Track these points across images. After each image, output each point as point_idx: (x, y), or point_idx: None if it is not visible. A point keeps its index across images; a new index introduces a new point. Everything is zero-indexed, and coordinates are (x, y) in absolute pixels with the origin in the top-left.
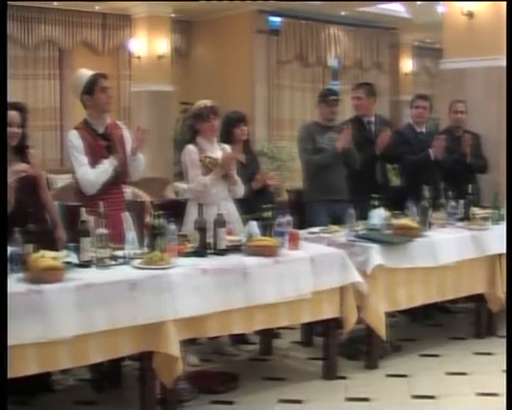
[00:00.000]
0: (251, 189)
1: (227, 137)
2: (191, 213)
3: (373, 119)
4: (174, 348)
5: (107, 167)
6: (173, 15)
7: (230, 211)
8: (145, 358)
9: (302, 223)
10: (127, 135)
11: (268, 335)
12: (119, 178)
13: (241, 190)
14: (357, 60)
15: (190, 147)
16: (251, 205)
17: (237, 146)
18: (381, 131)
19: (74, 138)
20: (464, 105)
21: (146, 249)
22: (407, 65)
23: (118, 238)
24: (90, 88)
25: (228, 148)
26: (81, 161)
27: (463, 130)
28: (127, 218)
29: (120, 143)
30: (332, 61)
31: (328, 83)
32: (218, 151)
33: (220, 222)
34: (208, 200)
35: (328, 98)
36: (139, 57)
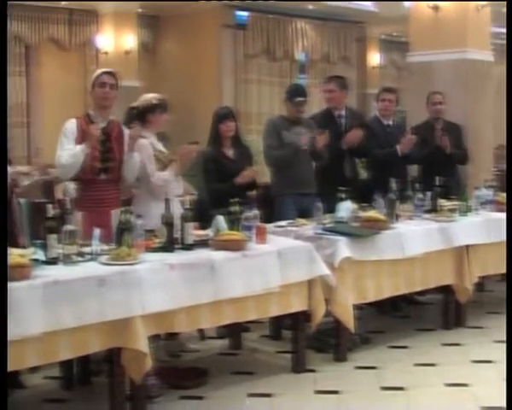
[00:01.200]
0: (233, 184)
1: (215, 133)
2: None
3: (343, 112)
4: (142, 344)
5: (77, 151)
6: (140, 10)
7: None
8: (114, 354)
9: (269, 217)
10: (126, 134)
11: (237, 328)
12: (109, 173)
13: (180, 189)
14: (325, 54)
15: (144, 140)
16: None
17: (226, 142)
18: (353, 128)
19: (69, 124)
20: (442, 96)
21: (113, 245)
22: (374, 58)
23: (108, 236)
24: (92, 83)
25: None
26: (63, 145)
27: (444, 121)
28: (118, 215)
29: (117, 140)
30: (299, 55)
31: (295, 77)
32: (161, 146)
33: (187, 217)
34: (163, 195)
35: (294, 100)
36: (106, 53)
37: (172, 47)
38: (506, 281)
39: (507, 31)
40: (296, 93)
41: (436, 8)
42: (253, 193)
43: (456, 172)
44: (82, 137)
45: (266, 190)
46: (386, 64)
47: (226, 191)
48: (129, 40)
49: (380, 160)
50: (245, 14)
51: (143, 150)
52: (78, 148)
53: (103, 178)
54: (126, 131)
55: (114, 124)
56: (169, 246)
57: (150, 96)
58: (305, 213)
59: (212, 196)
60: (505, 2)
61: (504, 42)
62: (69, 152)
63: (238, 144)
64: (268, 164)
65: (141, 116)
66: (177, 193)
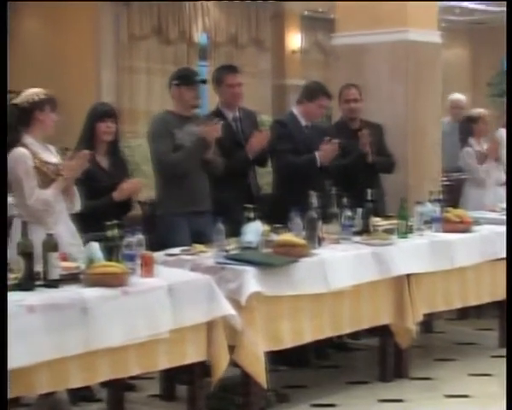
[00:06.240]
0: (111, 201)
1: (89, 134)
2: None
3: (237, 114)
4: None
5: None
6: None
7: (73, 230)
8: None
9: (158, 243)
10: None
11: (118, 387)
12: None
13: (78, 204)
14: (231, 35)
15: (22, 151)
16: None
17: (101, 147)
18: (250, 131)
19: None
20: (358, 91)
21: None
22: (294, 40)
23: None
24: None
25: (53, 149)
26: None
27: (361, 120)
28: None
29: None
30: (199, 37)
31: (194, 64)
32: (50, 154)
33: (50, 245)
34: (48, 218)
35: (192, 80)
36: None
37: (35, 27)
38: (506, 287)
39: (507, 31)
40: (193, 74)
41: None
42: (137, 212)
43: (380, 185)
44: None
45: (153, 208)
46: (310, 47)
47: (98, 210)
48: None
49: (297, 168)
50: None
51: (19, 163)
52: None
53: None
54: None
55: None
56: (27, 283)
57: (35, 91)
58: (201, 237)
59: (80, 216)
60: None
61: (455, 18)
62: None
63: (115, 153)
64: (160, 173)
65: (27, 115)
66: (75, 210)
